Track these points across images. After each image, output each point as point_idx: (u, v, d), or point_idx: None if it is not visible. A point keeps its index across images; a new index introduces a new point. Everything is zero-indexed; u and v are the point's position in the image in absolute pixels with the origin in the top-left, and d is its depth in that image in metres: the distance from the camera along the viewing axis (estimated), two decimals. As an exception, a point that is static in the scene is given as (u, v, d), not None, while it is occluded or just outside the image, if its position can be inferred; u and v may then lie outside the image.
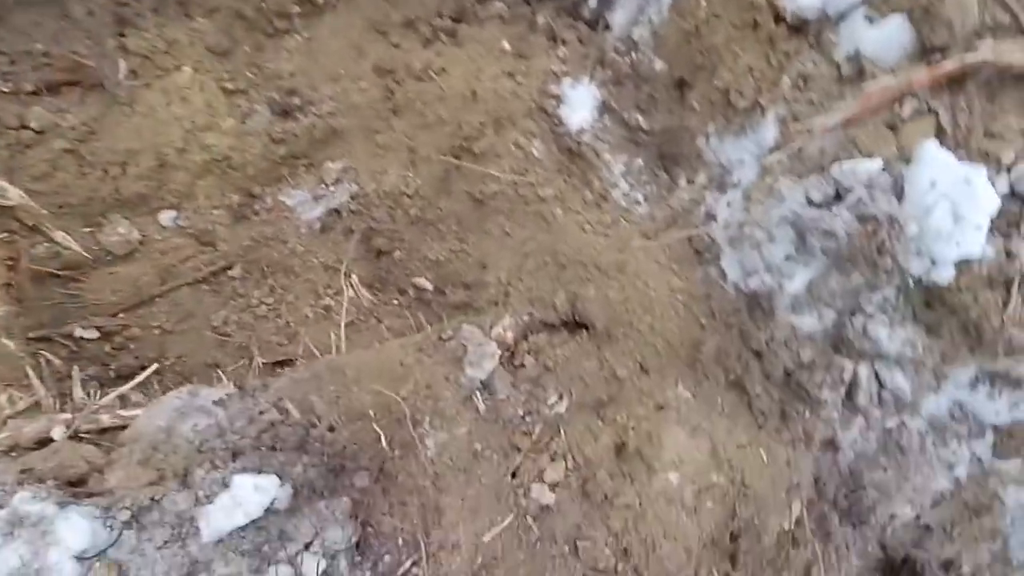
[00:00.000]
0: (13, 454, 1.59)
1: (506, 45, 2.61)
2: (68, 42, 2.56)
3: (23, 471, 1.49)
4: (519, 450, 2.02)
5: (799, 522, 2.34)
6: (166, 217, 2.72)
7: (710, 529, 2.04)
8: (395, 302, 2.60)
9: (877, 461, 2.33)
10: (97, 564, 1.38)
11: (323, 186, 2.81)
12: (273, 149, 2.80)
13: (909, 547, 2.48)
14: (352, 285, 2.61)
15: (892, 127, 2.00)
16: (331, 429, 1.81)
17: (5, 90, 2.44)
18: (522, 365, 2.12)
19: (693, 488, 2.00)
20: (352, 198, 2.74)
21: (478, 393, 2.03)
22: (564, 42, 2.57)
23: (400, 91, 2.71)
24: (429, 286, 2.53)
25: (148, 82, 2.65)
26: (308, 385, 1.91)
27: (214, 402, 1.68)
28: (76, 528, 1.38)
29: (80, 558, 1.37)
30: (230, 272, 2.72)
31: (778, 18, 2.20)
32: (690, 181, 2.39)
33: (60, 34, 2.57)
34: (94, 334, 2.49)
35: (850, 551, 2.52)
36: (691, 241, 2.21)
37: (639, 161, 2.40)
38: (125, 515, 1.44)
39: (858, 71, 2.09)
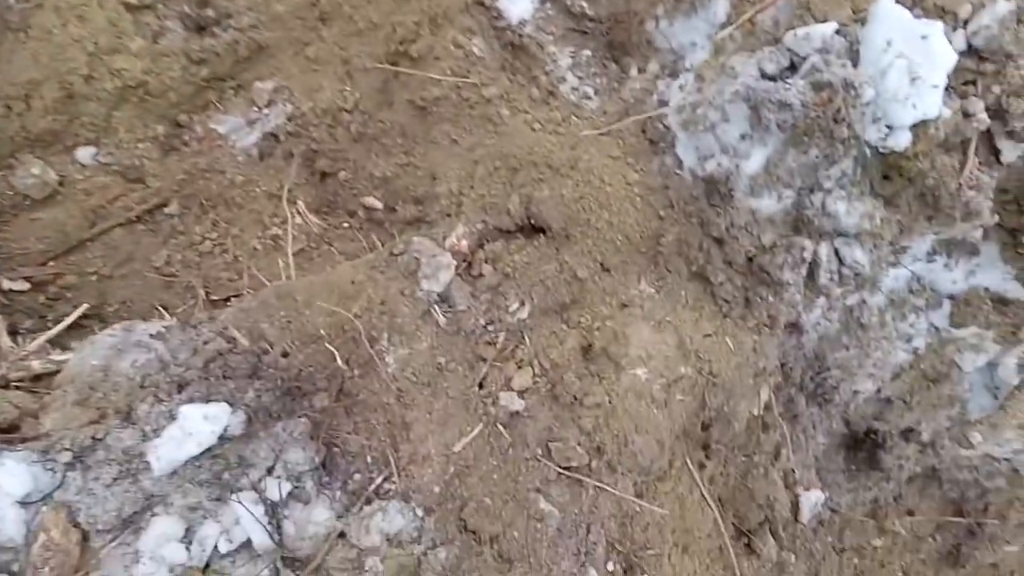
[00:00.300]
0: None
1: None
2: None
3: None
4: (484, 360, 1.98)
5: (768, 406, 2.38)
6: (85, 154, 2.51)
7: (681, 420, 2.05)
8: (345, 225, 2.48)
9: (840, 340, 2.36)
10: (44, 508, 1.31)
11: (255, 109, 2.61)
12: (194, 71, 2.57)
13: (871, 420, 2.56)
14: (298, 211, 2.47)
15: (847, -11, 1.89)
16: (284, 355, 1.74)
17: None
18: (480, 274, 2.05)
19: (662, 382, 2.00)
20: (288, 119, 2.56)
21: (436, 306, 1.96)
22: (497, -75, 2.35)
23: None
24: (379, 205, 2.41)
25: (39, 2, 2.37)
26: (256, 313, 1.82)
27: (151, 336, 1.58)
28: (14, 474, 1.30)
29: (24, 503, 1.30)
30: (166, 209, 2.55)
31: None
32: (641, 70, 2.27)
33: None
34: (24, 285, 2.33)
35: (816, 430, 2.60)
36: (645, 132, 2.12)
37: (586, 52, 2.26)
38: (66, 457, 1.36)
39: (810, -69, 1.96)
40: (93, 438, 1.39)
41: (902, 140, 1.78)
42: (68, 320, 1.82)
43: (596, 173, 2.04)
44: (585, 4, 2.26)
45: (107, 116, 2.52)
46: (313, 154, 2.54)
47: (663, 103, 2.10)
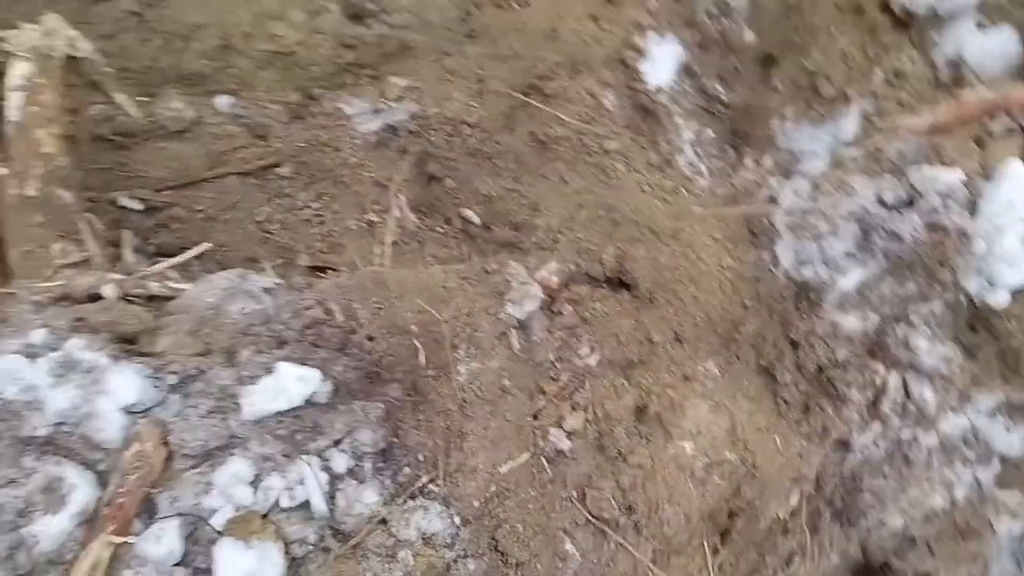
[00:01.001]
0: (64, 303, 1.62)
1: (597, -11, 2.53)
2: (153, -97, 2.48)
3: (77, 319, 1.52)
4: (544, 393, 2.05)
5: (795, 513, 2.40)
6: (223, 101, 2.68)
7: (712, 503, 2.09)
8: (440, 230, 2.59)
9: (881, 469, 2.37)
10: (142, 420, 1.42)
11: (384, 101, 2.76)
12: (340, 53, 2.74)
13: (890, 554, 2.55)
14: (400, 205, 2.60)
15: (979, 141, 1.96)
16: (370, 338, 1.83)
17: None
18: (560, 313, 2.14)
19: (705, 461, 2.04)
20: (412, 118, 2.70)
21: (514, 331, 2.04)
22: (656, -5, 2.49)
23: (479, 16, 2.64)
24: (477, 219, 2.52)
25: (224, -40, 2.58)
26: (352, 292, 1.93)
27: (263, 289, 1.70)
28: (127, 382, 1.42)
29: (128, 411, 1.41)
30: (279, 170, 2.70)
31: (885, 7, 2.13)
32: (757, 162, 2.36)
33: None
34: (139, 206, 2.49)
35: (832, 548, 2.59)
36: (748, 222, 2.19)
37: (710, 132, 2.36)
38: (172, 379, 1.47)
39: (955, 78, 2.04)
40: (198, 369, 1.50)
41: (1000, 299, 1.83)
42: (191, 253, 1.96)
43: (694, 249, 2.13)
44: (720, 87, 2.36)
45: (253, 73, 2.70)
46: (426, 156, 2.67)
47: (772, 200, 2.18)
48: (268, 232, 2.62)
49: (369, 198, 2.70)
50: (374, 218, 2.67)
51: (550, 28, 2.50)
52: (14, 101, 1.80)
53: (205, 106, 2.66)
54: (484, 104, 2.62)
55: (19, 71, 1.83)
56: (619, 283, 2.19)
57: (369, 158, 2.73)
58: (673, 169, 2.31)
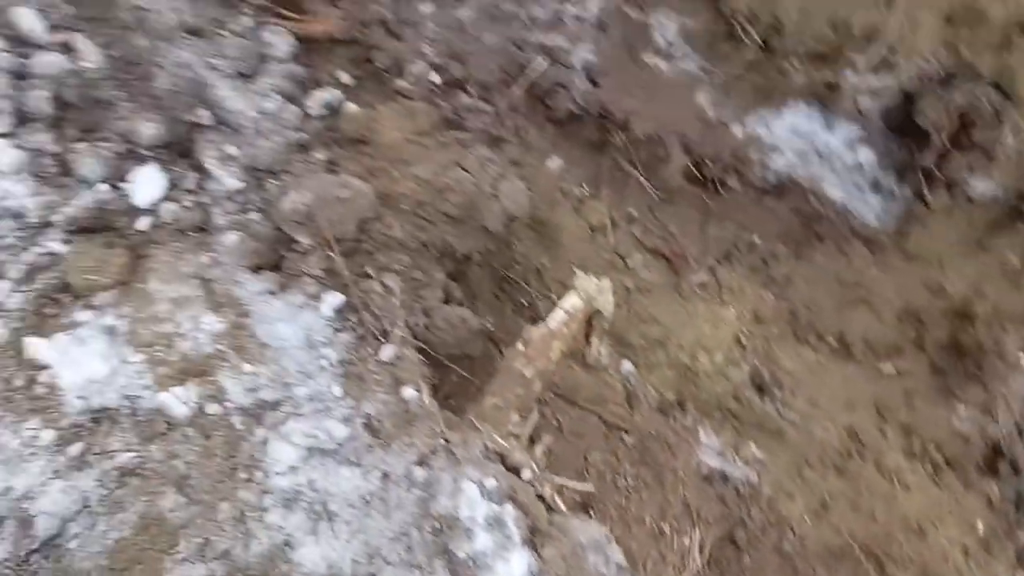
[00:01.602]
0: (498, 461, 2.15)
1: (980, 528, 2.69)
2: (687, 238, 3.43)
3: (513, 490, 2.02)
4: None
5: None
6: (627, 367, 3.34)
7: None
8: (710, 580, 2.78)
9: None
10: (508, 599, 1.80)
11: (734, 453, 3.17)
12: (726, 398, 3.27)
13: None
14: (697, 543, 2.86)
15: None
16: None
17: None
18: None
19: None
20: (747, 484, 3.04)
21: None
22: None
23: (857, 464, 2.97)
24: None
25: (704, 297, 3.37)
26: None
27: (616, 563, 2.05)
28: (522, 565, 1.83)
29: (505, 585, 1.81)
30: (625, 435, 3.20)
31: None
32: None
33: (690, 229, 3.46)
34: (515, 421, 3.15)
35: None
36: None
37: None
38: (537, 586, 1.85)
39: None
40: (555, 591, 1.86)
41: None
42: (583, 486, 2.46)
43: None
44: None
45: (661, 362, 3.35)
46: (740, 521, 2.94)
47: None
48: (586, 469, 3.07)
49: (672, 511, 3.02)
50: (666, 528, 2.97)
51: (918, 524, 2.70)
52: (558, 316, 2.57)
53: (616, 363, 3.35)
54: (816, 527, 2.85)
55: (571, 301, 2.62)
56: None
57: (693, 483, 3.10)
58: None
